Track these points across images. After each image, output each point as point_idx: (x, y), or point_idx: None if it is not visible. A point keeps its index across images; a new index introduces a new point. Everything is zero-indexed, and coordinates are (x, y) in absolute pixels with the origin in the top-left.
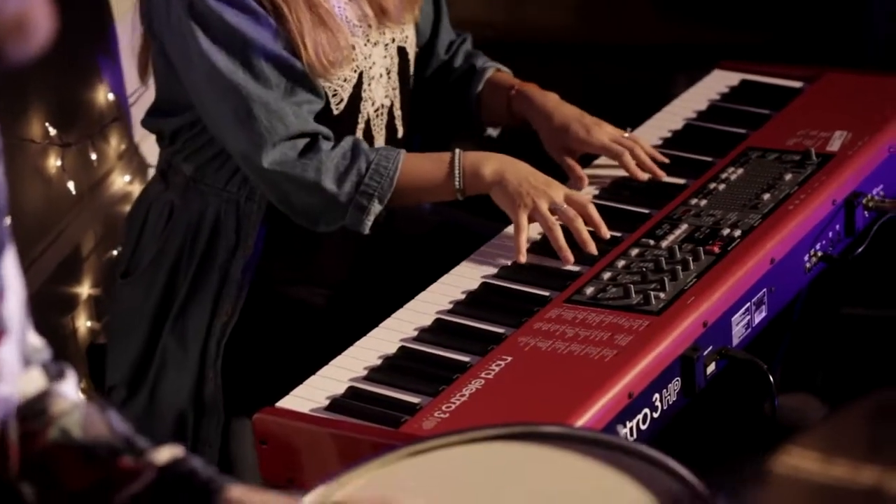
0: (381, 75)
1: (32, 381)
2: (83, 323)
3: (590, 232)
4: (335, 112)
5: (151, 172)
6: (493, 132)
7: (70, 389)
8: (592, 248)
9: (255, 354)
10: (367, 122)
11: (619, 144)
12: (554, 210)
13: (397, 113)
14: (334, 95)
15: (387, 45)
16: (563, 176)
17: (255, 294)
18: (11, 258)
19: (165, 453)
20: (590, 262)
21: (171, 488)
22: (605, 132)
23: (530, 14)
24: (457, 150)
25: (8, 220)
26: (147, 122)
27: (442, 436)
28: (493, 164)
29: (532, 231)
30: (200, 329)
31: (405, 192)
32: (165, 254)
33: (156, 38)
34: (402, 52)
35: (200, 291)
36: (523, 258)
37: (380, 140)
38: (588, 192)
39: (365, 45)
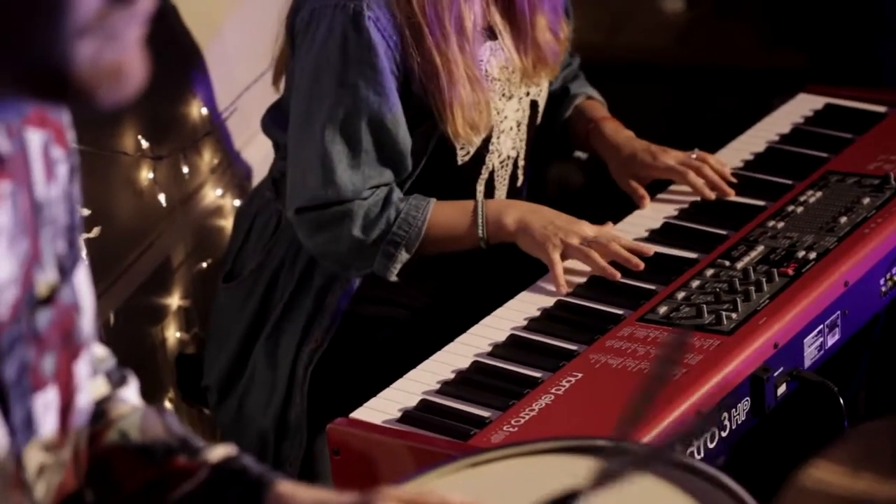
0: (511, 128)
1: (97, 389)
2: (172, 333)
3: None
4: (459, 162)
5: (244, 187)
6: (581, 155)
7: (131, 394)
8: (637, 262)
9: (342, 378)
10: (491, 173)
11: (686, 165)
12: (585, 244)
13: (521, 163)
14: (461, 148)
15: (521, 98)
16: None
17: (347, 322)
18: (85, 273)
19: (219, 451)
20: (664, 282)
21: (222, 485)
22: (671, 156)
23: (628, 36)
24: (479, 200)
25: (96, 231)
26: (266, 125)
27: (500, 448)
28: (514, 213)
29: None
30: (290, 351)
31: (432, 241)
32: (266, 266)
33: (293, 54)
34: (534, 104)
35: (294, 312)
36: (564, 288)
37: (501, 190)
38: (666, 213)
39: (499, 99)
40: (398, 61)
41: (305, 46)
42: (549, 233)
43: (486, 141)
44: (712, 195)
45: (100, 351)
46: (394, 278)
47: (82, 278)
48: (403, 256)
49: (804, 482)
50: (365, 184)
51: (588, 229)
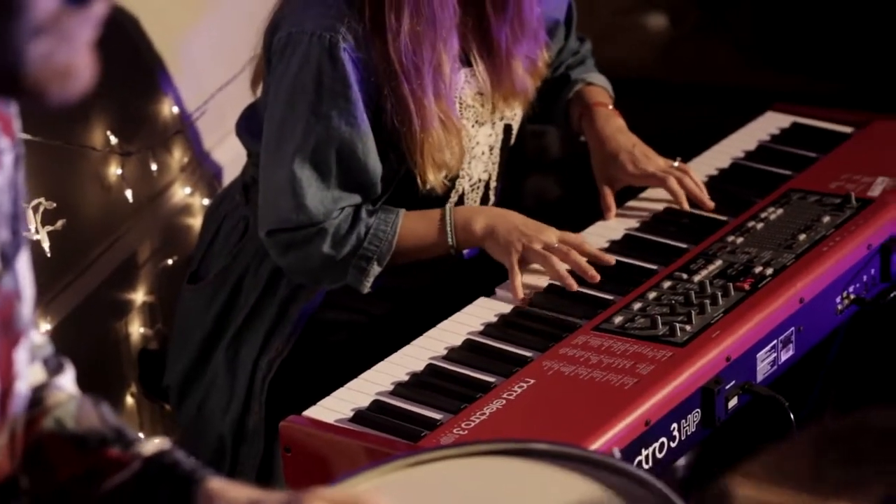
0: (483, 153)
1: (34, 375)
2: (136, 329)
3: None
4: (423, 190)
5: (214, 187)
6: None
7: (67, 382)
8: (594, 274)
9: (300, 384)
10: (461, 196)
11: (667, 173)
12: (548, 250)
13: (493, 185)
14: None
15: (494, 123)
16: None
17: (307, 332)
18: (26, 261)
19: (152, 445)
20: (622, 292)
21: (154, 478)
22: (652, 163)
23: (611, 51)
24: (447, 208)
25: (60, 224)
26: (241, 131)
27: (439, 448)
28: (482, 219)
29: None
30: (249, 360)
31: (403, 252)
32: (232, 271)
33: (269, 69)
34: (507, 128)
35: (257, 320)
36: (520, 296)
37: None
38: (628, 225)
39: (472, 126)
40: (371, 95)
41: (280, 71)
42: (512, 238)
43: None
44: (687, 206)
45: (38, 338)
46: (367, 290)
47: (24, 266)
48: (376, 270)
49: (719, 494)
50: (335, 205)
51: (553, 236)
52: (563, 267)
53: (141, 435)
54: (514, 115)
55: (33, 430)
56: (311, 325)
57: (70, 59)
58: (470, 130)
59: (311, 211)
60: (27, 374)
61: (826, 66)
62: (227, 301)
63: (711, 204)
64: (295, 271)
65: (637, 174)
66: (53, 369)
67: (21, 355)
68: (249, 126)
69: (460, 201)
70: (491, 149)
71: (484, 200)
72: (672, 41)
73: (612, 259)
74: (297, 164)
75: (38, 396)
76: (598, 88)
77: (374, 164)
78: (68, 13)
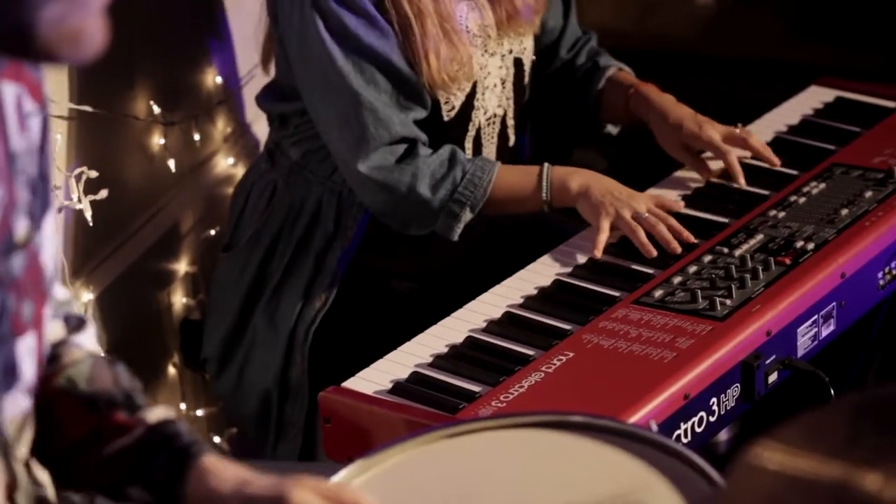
0: (494, 85)
1: (53, 332)
2: (179, 299)
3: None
4: (445, 118)
5: (257, 156)
6: (612, 129)
7: (86, 340)
8: (675, 247)
9: (343, 339)
10: (478, 130)
11: (731, 139)
12: (637, 219)
13: (510, 122)
14: (446, 103)
15: (503, 55)
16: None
17: (348, 283)
18: (52, 221)
19: (157, 413)
20: (662, 266)
21: (154, 446)
22: (716, 129)
23: (656, 24)
24: (545, 164)
25: (104, 193)
26: (261, 101)
27: (477, 420)
28: (578, 178)
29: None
30: (291, 313)
31: (496, 202)
32: (264, 233)
33: (277, 27)
34: (518, 62)
35: (294, 276)
36: (599, 253)
37: (490, 148)
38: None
39: (482, 55)
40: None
41: (297, 11)
42: (605, 201)
43: (471, 97)
44: (743, 182)
45: (62, 294)
46: (456, 238)
47: (49, 226)
48: (468, 216)
49: (750, 460)
50: (405, 116)
51: (643, 205)
52: (646, 240)
53: (167, 407)
54: (524, 48)
55: (47, 387)
56: (353, 286)
57: (82, 23)
58: (480, 59)
59: (386, 121)
60: (48, 333)
61: (871, 40)
62: (261, 263)
63: (777, 161)
64: (384, 213)
65: (702, 137)
66: (74, 327)
67: (48, 313)
68: (269, 94)
69: (477, 136)
70: (503, 82)
71: (502, 138)
72: (716, 15)
73: (693, 238)
74: (355, 87)
75: (55, 353)
76: (629, 74)
77: (412, 72)
78: None
